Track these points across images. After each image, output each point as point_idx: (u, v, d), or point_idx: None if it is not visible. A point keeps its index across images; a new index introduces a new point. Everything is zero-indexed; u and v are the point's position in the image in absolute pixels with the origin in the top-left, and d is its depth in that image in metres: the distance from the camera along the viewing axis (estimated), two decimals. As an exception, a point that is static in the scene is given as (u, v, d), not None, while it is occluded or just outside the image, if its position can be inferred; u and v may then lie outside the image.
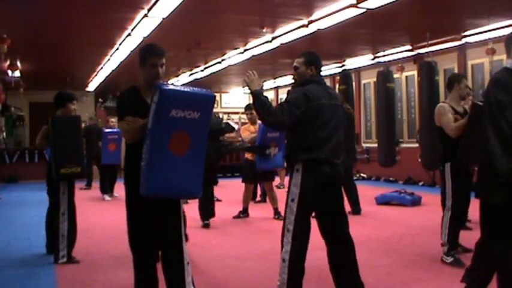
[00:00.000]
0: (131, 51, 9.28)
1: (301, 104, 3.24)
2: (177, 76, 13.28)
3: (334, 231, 3.39)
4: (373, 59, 11.15)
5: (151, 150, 2.82)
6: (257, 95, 3.27)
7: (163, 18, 7.10)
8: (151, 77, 3.07)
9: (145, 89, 3.08)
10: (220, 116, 10.52)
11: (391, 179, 12.00)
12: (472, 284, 3.33)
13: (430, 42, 8.49)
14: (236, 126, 7.01)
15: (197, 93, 2.98)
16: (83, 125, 10.82)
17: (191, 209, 7.15)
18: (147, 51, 3.13)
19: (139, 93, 3.11)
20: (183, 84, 12.85)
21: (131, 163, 3.00)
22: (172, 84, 3.09)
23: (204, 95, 3.00)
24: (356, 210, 7.33)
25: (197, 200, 6.52)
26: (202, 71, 12.36)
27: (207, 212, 6.47)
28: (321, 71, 3.53)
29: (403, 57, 10.41)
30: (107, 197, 9.75)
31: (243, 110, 9.52)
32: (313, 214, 3.39)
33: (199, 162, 2.99)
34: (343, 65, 10.99)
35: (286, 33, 8.32)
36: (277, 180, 9.28)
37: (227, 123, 6.95)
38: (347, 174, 7.19)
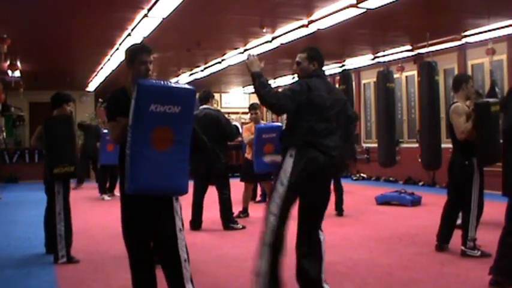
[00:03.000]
0: (131, 51, 9.27)
1: (303, 93, 3.26)
2: (177, 76, 13.27)
3: (310, 227, 3.41)
4: (373, 59, 11.15)
5: (133, 146, 2.82)
6: (257, 76, 3.25)
7: (163, 18, 7.09)
8: (140, 74, 3.07)
9: (132, 88, 3.06)
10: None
11: (391, 179, 12.00)
12: (501, 274, 3.45)
13: (430, 42, 8.49)
14: (240, 129, 6.96)
15: (176, 87, 3.00)
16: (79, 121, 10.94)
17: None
18: (135, 49, 3.17)
19: (126, 93, 3.11)
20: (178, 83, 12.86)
21: (122, 162, 3.01)
22: (150, 79, 3.09)
23: (183, 88, 3.01)
24: (339, 210, 7.26)
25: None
26: (202, 71, 12.35)
27: (196, 219, 6.43)
28: (323, 66, 3.54)
29: (403, 57, 10.41)
30: (106, 197, 9.76)
31: (243, 110, 9.52)
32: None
33: (183, 158, 2.97)
34: (343, 65, 10.98)
35: (286, 33, 8.32)
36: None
37: (235, 125, 6.90)
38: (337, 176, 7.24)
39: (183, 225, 3.13)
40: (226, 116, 6.84)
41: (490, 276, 3.75)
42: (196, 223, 6.38)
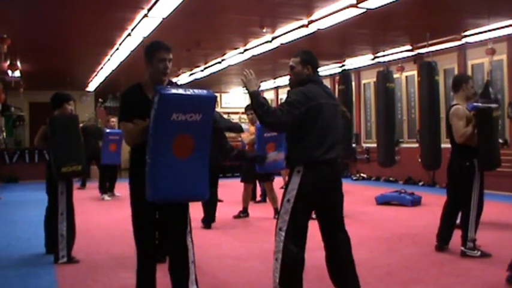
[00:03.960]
0: (131, 51, 9.28)
1: (302, 104, 3.17)
2: (177, 76, 13.27)
3: (332, 231, 3.38)
4: (373, 59, 11.15)
5: (154, 155, 2.80)
6: (255, 96, 3.20)
7: (163, 18, 7.09)
8: (159, 72, 3.04)
9: (149, 86, 3.04)
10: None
11: (391, 179, 12.00)
12: None
13: (430, 42, 8.48)
14: (245, 127, 6.98)
15: (198, 95, 2.93)
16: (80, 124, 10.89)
17: (193, 209, 7.15)
18: (155, 46, 3.10)
19: (142, 90, 3.08)
20: (183, 85, 12.88)
21: (136, 163, 3.00)
22: (172, 85, 3.06)
23: (204, 96, 2.96)
24: None
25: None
26: (202, 71, 12.36)
27: (207, 217, 6.45)
28: (317, 70, 3.46)
29: (403, 57, 10.41)
30: (106, 197, 9.75)
31: (243, 110, 9.51)
32: (313, 215, 3.37)
33: (203, 164, 2.97)
34: (343, 65, 10.98)
35: (286, 33, 8.32)
36: (280, 182, 9.28)
37: (238, 124, 6.95)
38: None
39: (191, 228, 3.15)
40: (223, 114, 6.88)
41: (507, 272, 3.79)
42: (210, 221, 6.42)
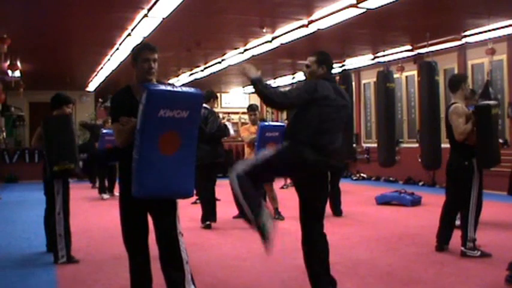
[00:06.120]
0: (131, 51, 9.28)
1: (310, 92, 3.30)
2: (177, 76, 13.28)
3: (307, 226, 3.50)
4: (373, 59, 11.15)
5: (140, 151, 2.81)
6: (259, 80, 3.25)
7: (163, 18, 7.10)
8: (143, 72, 3.07)
9: (137, 88, 3.07)
10: (220, 116, 10.54)
11: (391, 179, 12.00)
12: None
13: (430, 42, 8.49)
14: (232, 132, 6.99)
15: (185, 92, 2.97)
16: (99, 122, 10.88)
17: (192, 209, 7.14)
18: (139, 47, 3.17)
19: (131, 92, 3.11)
20: (182, 85, 12.88)
21: (125, 163, 3.00)
22: (160, 84, 3.08)
23: (192, 93, 2.99)
24: (337, 212, 7.29)
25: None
26: (202, 71, 12.36)
27: (206, 214, 6.45)
28: (332, 70, 3.57)
29: (403, 57, 10.41)
30: (105, 196, 9.75)
31: (243, 110, 9.53)
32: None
33: (189, 161, 2.98)
34: (343, 65, 10.98)
35: (286, 33, 8.33)
36: (280, 182, 9.28)
37: (225, 124, 6.95)
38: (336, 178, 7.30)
39: (181, 228, 3.15)
40: (220, 115, 6.88)
41: (507, 272, 3.80)
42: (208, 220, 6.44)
